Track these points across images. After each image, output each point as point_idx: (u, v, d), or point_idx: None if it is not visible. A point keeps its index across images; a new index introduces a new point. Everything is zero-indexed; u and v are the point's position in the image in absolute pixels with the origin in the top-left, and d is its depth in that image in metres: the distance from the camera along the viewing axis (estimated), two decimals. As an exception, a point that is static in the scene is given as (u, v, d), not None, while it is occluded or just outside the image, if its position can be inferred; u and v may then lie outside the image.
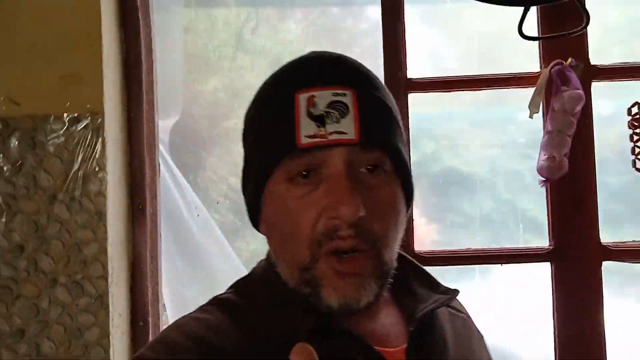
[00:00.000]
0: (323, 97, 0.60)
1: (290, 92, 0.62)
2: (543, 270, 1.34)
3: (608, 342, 1.31)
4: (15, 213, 1.22)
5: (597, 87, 1.30)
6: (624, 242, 1.30)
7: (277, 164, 0.62)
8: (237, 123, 1.75)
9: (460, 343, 0.70)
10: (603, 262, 1.28)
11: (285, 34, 1.58)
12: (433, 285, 0.72)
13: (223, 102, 1.72)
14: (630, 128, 1.27)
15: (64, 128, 1.23)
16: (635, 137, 1.26)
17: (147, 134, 1.32)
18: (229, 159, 1.77)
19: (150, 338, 1.32)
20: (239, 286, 0.70)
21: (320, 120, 0.60)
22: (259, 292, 0.67)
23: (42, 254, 1.22)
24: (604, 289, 1.28)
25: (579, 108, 1.21)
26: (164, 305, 1.36)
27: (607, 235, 1.30)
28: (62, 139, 1.23)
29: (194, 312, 0.67)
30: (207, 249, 1.38)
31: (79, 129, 1.23)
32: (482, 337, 0.78)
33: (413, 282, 0.72)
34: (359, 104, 0.61)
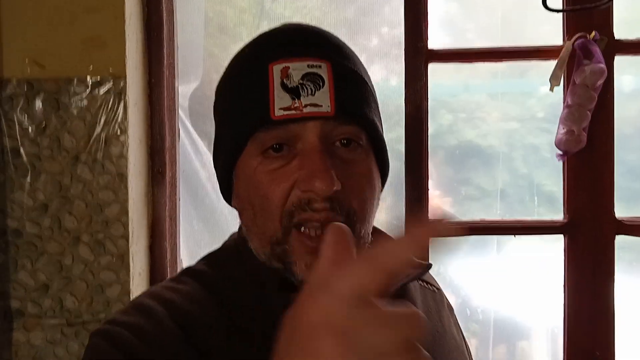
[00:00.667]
0: (297, 69, 0.59)
1: (264, 63, 0.60)
2: (556, 245, 1.35)
3: (617, 317, 1.32)
4: (40, 173, 1.26)
5: (620, 61, 1.28)
6: (639, 217, 1.30)
7: (250, 136, 0.60)
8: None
9: (430, 317, 0.71)
10: (617, 236, 1.28)
11: (305, 2, 1.58)
12: None
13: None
14: (652, 103, 1.25)
15: (87, 91, 1.25)
16: (657, 113, 1.24)
17: (167, 98, 1.34)
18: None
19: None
20: (211, 258, 0.69)
21: (294, 92, 0.58)
22: (232, 265, 0.66)
23: (65, 213, 1.26)
24: (618, 266, 1.29)
25: (600, 82, 1.20)
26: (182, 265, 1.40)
27: (624, 213, 1.30)
28: (85, 101, 1.25)
29: (165, 282, 0.67)
30: (224, 212, 1.41)
31: (102, 92, 1.26)
32: (452, 309, 0.79)
33: None
34: (334, 77, 0.59)
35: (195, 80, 1.42)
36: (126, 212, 1.26)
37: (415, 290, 0.71)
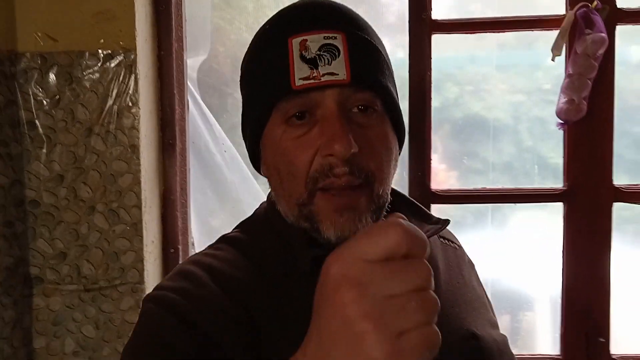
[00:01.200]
0: (315, 41, 0.63)
1: (284, 37, 0.64)
2: (558, 214, 1.38)
3: (614, 284, 1.36)
4: (55, 144, 1.30)
5: (627, 32, 1.29)
6: (637, 185, 1.33)
7: (273, 106, 0.64)
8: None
9: (450, 271, 0.75)
10: (615, 204, 1.32)
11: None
12: (425, 216, 0.76)
13: (247, 43, 1.74)
14: (652, 73, 1.27)
15: (99, 64, 1.29)
16: (657, 82, 1.26)
17: (177, 70, 1.37)
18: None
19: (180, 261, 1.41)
20: (244, 225, 0.75)
21: (312, 62, 0.62)
22: (263, 230, 0.71)
23: (80, 183, 1.31)
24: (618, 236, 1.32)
25: (601, 52, 1.22)
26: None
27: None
28: (97, 74, 1.29)
29: (205, 250, 0.72)
30: (234, 182, 1.45)
31: (113, 65, 1.29)
32: (473, 265, 0.83)
33: (406, 214, 0.74)
34: (349, 46, 0.63)
35: (204, 53, 1.45)
36: (138, 182, 1.30)
37: (435, 246, 0.76)
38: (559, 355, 1.38)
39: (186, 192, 1.41)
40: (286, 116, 0.64)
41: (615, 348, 1.37)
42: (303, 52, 0.62)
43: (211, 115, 1.44)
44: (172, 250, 1.40)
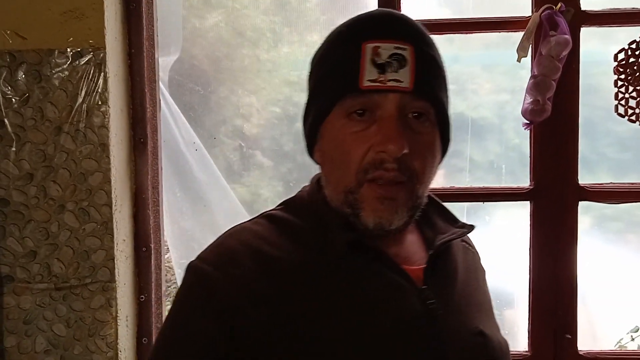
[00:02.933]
0: (386, 49, 0.70)
1: (358, 41, 0.71)
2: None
3: (591, 281, 1.39)
4: (25, 143, 1.30)
5: (606, 33, 1.30)
6: (601, 184, 1.36)
7: (338, 101, 0.71)
8: (240, 65, 1.78)
9: (468, 272, 0.82)
10: (580, 202, 1.34)
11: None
12: (451, 220, 0.83)
13: (225, 41, 1.74)
14: (615, 74, 1.30)
15: (68, 62, 1.29)
16: (619, 83, 1.29)
17: (148, 69, 1.37)
18: (234, 100, 1.81)
19: (153, 263, 1.42)
20: (288, 204, 0.81)
21: (381, 68, 0.69)
22: (304, 211, 0.78)
23: (50, 182, 1.30)
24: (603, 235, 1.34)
25: (565, 53, 1.24)
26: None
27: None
28: (67, 72, 1.29)
29: (245, 222, 0.79)
30: (205, 183, 1.46)
31: (82, 63, 1.29)
32: (485, 272, 0.90)
33: (435, 216, 0.83)
34: (416, 59, 0.70)
35: (175, 52, 1.45)
36: (109, 181, 1.31)
37: (457, 248, 0.83)
38: (526, 351, 1.41)
39: (158, 190, 1.41)
40: (348, 111, 0.71)
41: (582, 344, 1.40)
42: (374, 57, 0.70)
43: (182, 116, 1.44)
44: (144, 249, 1.41)
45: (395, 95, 0.70)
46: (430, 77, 0.72)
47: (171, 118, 1.43)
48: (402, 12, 0.76)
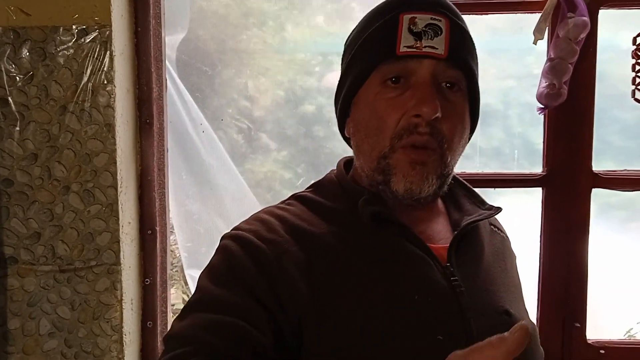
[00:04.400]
0: (422, 19, 0.73)
1: (396, 13, 0.74)
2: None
3: (596, 270, 1.37)
4: (29, 122, 1.27)
5: (616, 16, 1.27)
6: (614, 171, 1.34)
7: (374, 67, 0.74)
8: (248, 45, 1.75)
9: (495, 255, 0.82)
10: (594, 190, 1.32)
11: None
12: (479, 202, 0.85)
13: (232, 20, 1.71)
14: (633, 58, 1.27)
15: (73, 40, 1.25)
16: (638, 67, 1.26)
17: (154, 48, 1.34)
18: (238, 81, 1.79)
19: (158, 245, 1.40)
20: (317, 186, 0.85)
21: (417, 35, 0.72)
22: (332, 190, 0.81)
23: (54, 162, 1.28)
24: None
25: (583, 36, 1.21)
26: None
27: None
28: (72, 50, 1.26)
29: (277, 204, 0.83)
30: (212, 165, 1.43)
31: (87, 41, 1.26)
32: (515, 257, 0.90)
33: (462, 198, 0.84)
34: (450, 30, 0.73)
35: (182, 31, 1.42)
36: (114, 162, 1.28)
37: (485, 231, 0.84)
38: (534, 338, 1.39)
39: (164, 172, 1.39)
40: (384, 78, 0.74)
41: (591, 333, 1.39)
42: (411, 26, 0.73)
43: (189, 96, 1.41)
44: (149, 232, 1.39)
45: (430, 61, 0.72)
46: (464, 47, 0.76)
47: (178, 98, 1.40)
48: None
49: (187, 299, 2.13)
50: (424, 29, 0.73)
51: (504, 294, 0.78)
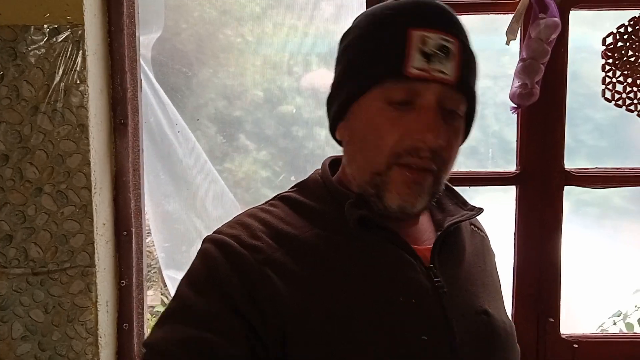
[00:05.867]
0: (434, 39, 0.70)
1: (404, 26, 0.70)
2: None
3: (569, 266, 1.39)
4: (0, 123, 1.25)
5: (588, 17, 1.29)
6: (586, 169, 1.36)
7: (378, 82, 0.71)
8: (226, 45, 1.74)
9: (475, 255, 0.83)
10: (565, 187, 1.34)
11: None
12: (461, 202, 0.85)
13: (208, 20, 1.70)
14: (603, 58, 1.29)
15: (45, 39, 1.24)
16: (607, 67, 1.28)
17: (128, 47, 1.33)
18: (216, 82, 1.78)
19: (134, 247, 1.38)
20: (302, 186, 0.83)
21: (428, 57, 0.70)
22: (319, 192, 0.79)
23: (26, 164, 1.26)
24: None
25: (554, 36, 1.23)
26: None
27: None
28: (43, 50, 1.24)
29: (261, 205, 0.81)
30: (189, 165, 1.42)
31: (59, 40, 1.24)
32: (494, 255, 0.91)
33: (444, 198, 0.85)
34: (461, 53, 0.71)
35: (158, 30, 1.41)
36: (88, 163, 1.27)
37: (466, 231, 0.84)
38: (510, 335, 1.41)
39: (139, 173, 1.37)
40: (389, 98, 0.71)
41: (565, 328, 1.41)
42: (422, 45, 0.70)
43: (165, 95, 1.40)
44: (125, 233, 1.37)
45: (438, 86, 0.70)
46: (471, 73, 0.74)
47: (154, 98, 1.39)
48: (445, 5, 0.75)
49: (166, 300, 2.11)
50: (434, 50, 0.70)
51: (483, 294, 0.79)
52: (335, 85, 0.79)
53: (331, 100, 0.79)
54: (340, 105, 0.76)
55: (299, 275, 0.70)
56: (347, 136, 0.77)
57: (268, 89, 1.89)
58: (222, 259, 0.70)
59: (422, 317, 0.71)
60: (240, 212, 0.79)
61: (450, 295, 0.73)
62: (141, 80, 1.37)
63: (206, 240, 0.75)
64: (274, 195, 0.83)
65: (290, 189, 0.83)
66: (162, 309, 1.99)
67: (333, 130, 0.80)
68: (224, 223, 0.77)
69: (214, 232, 0.75)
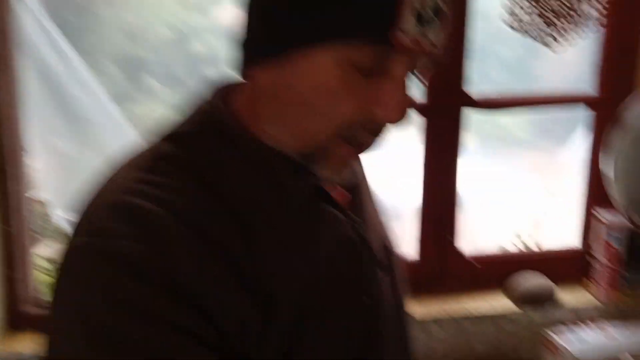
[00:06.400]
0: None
1: None
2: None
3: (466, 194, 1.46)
4: None
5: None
6: (487, 94, 1.43)
7: (346, 38, 0.53)
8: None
9: (365, 186, 0.76)
10: (463, 108, 1.41)
11: None
12: None
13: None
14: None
15: None
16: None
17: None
18: (118, 18, 1.67)
19: (9, 183, 1.27)
20: (180, 138, 0.60)
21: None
22: (219, 149, 0.59)
23: None
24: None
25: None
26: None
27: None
28: None
29: (137, 170, 0.57)
30: (81, 100, 1.33)
31: None
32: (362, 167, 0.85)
33: None
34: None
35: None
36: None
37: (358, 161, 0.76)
38: (416, 260, 1.48)
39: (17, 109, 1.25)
40: (355, 61, 0.54)
41: (464, 247, 1.49)
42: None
43: (55, 28, 1.29)
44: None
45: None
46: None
47: (40, 30, 1.27)
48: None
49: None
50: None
51: (379, 226, 0.75)
52: (269, 13, 0.57)
53: (255, 31, 0.59)
54: (274, 44, 0.56)
55: (234, 267, 0.55)
56: (277, 88, 0.58)
57: (174, 26, 1.81)
58: (131, 282, 0.50)
59: (360, 271, 0.65)
60: (116, 189, 0.55)
61: (370, 242, 0.68)
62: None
63: (89, 253, 0.52)
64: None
65: (163, 139, 0.60)
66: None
67: (245, 68, 0.61)
68: (103, 214, 0.53)
69: (95, 234, 0.52)
